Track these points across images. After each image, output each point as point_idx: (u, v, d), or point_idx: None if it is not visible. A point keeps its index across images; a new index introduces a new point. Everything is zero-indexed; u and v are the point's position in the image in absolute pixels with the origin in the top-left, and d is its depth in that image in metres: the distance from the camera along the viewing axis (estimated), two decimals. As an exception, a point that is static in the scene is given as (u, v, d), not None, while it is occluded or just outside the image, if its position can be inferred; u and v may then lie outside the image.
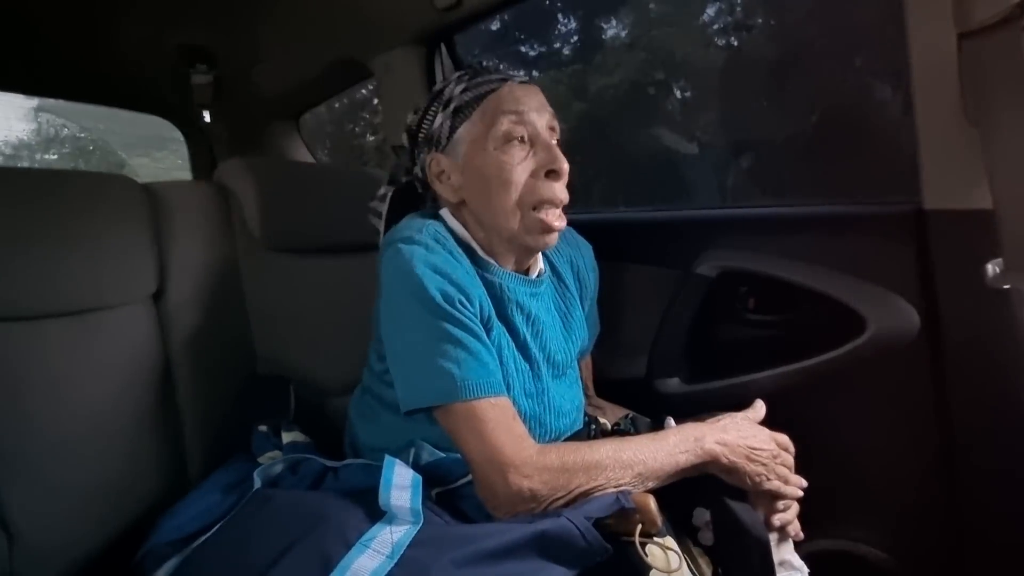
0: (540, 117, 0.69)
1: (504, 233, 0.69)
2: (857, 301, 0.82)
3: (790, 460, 0.68)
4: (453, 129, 0.70)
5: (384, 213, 0.78)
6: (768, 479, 0.65)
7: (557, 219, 0.69)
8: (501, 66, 0.81)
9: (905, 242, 0.79)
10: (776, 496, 0.67)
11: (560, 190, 0.69)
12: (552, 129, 0.70)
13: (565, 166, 0.68)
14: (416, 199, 0.80)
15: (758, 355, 0.91)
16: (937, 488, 0.81)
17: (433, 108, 0.72)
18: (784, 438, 0.68)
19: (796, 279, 0.87)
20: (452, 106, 0.70)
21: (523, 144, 0.68)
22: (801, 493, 0.68)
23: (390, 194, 0.79)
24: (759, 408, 0.72)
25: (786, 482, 0.66)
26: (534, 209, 0.68)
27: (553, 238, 0.70)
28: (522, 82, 0.71)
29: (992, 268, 0.67)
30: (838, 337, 0.83)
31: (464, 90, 0.70)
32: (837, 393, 0.87)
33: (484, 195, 0.68)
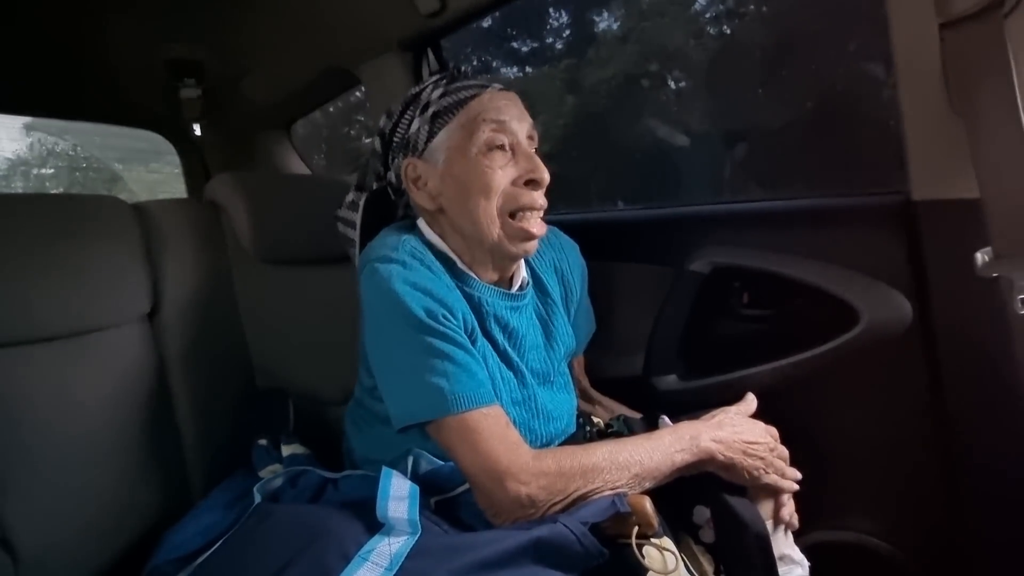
0: (520, 127, 0.69)
1: (485, 241, 0.68)
2: (849, 293, 0.82)
3: (785, 452, 0.69)
4: (432, 134, 0.69)
5: (359, 222, 0.77)
6: (766, 472, 0.65)
7: (536, 226, 0.69)
8: (490, 61, 0.81)
9: (895, 233, 0.79)
10: (775, 490, 0.67)
11: (539, 197, 0.69)
12: (531, 138, 0.71)
13: (546, 176, 0.68)
14: (388, 205, 0.79)
15: (753, 350, 0.91)
16: (934, 475, 0.82)
17: (409, 112, 0.71)
18: (774, 431, 0.69)
19: (788, 273, 0.87)
20: (431, 111, 0.69)
21: (504, 152, 0.68)
22: (796, 487, 0.68)
23: (363, 202, 0.77)
24: (750, 401, 0.72)
25: (783, 475, 0.67)
26: (513, 216, 0.68)
27: (533, 245, 0.70)
28: (501, 90, 0.71)
29: (981, 257, 0.67)
30: (832, 329, 0.83)
31: (443, 95, 0.69)
32: (833, 385, 0.87)
33: (463, 202, 0.68)
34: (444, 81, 0.71)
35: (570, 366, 0.89)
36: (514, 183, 0.68)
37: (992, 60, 0.61)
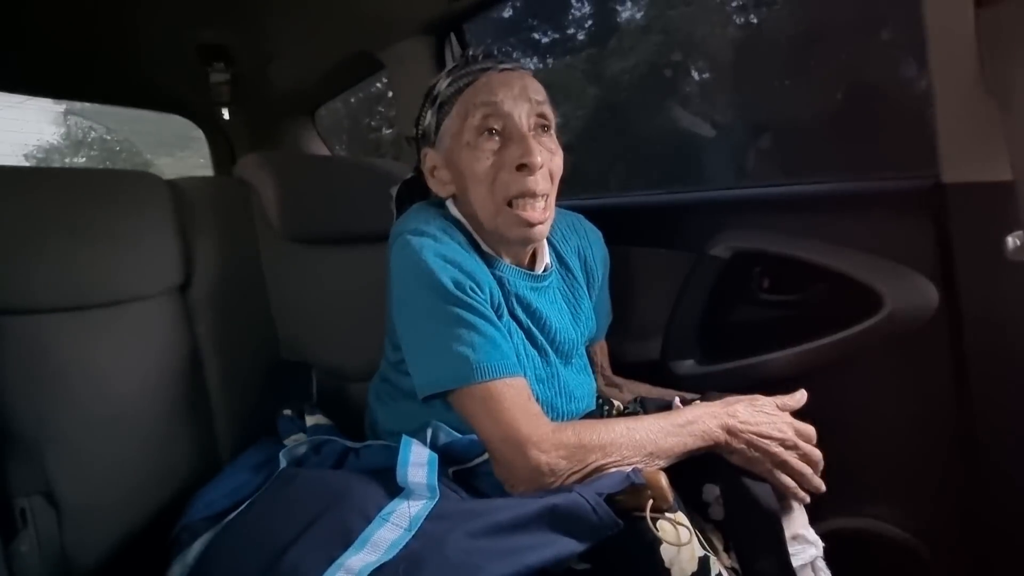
0: (517, 106, 0.67)
1: (488, 228, 0.70)
2: (873, 278, 0.81)
3: (815, 455, 0.64)
4: (439, 125, 0.71)
5: (393, 206, 0.80)
6: (772, 469, 0.62)
7: (537, 212, 0.67)
8: (511, 52, 0.81)
9: (922, 217, 0.78)
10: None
11: (534, 182, 0.66)
12: (541, 116, 0.69)
13: (536, 159, 0.65)
14: (425, 191, 0.81)
15: (774, 335, 0.91)
16: (957, 465, 0.80)
17: (426, 105, 0.74)
18: (807, 430, 0.65)
19: (811, 257, 0.86)
20: (438, 101, 0.71)
21: (495, 137, 0.67)
22: (805, 497, 0.64)
23: (395, 190, 0.81)
24: (797, 398, 0.68)
25: (800, 476, 0.63)
26: (510, 204, 0.67)
27: (536, 232, 0.68)
28: (504, 69, 0.69)
29: (1012, 241, 0.66)
30: (855, 315, 0.82)
31: (448, 84, 0.71)
32: (855, 371, 0.86)
33: (466, 189, 0.70)
34: (455, 69, 0.72)
35: (591, 352, 0.90)
36: (507, 169, 0.66)
37: (1028, 38, 0.60)
